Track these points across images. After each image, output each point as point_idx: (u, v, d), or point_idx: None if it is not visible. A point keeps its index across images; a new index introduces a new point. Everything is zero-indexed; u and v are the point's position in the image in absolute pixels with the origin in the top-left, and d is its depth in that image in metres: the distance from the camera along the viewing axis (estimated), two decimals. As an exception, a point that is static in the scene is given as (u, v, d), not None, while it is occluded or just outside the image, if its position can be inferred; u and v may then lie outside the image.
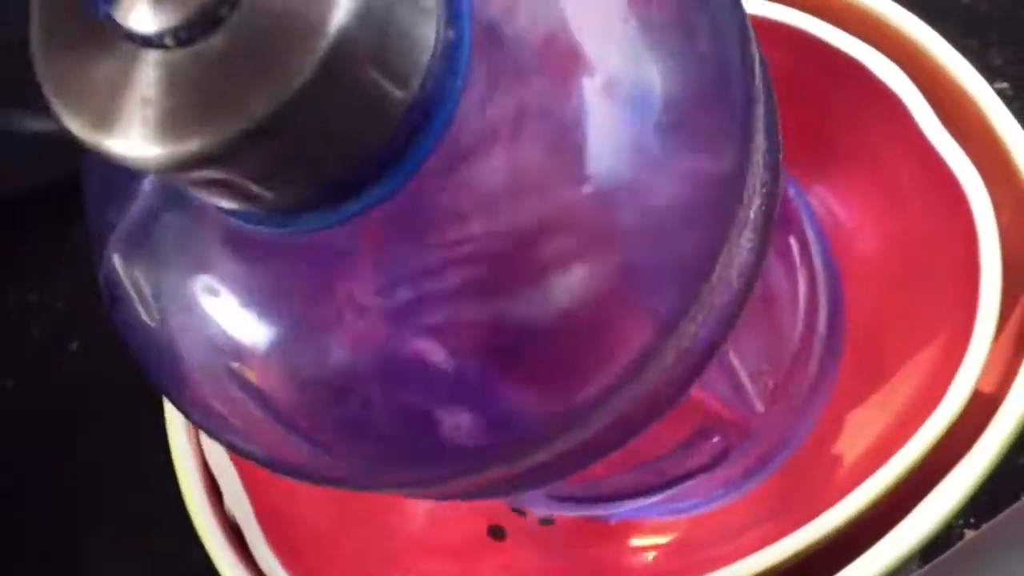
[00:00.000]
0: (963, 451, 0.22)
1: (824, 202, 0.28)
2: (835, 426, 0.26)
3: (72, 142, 0.12)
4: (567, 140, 0.14)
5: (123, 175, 0.15)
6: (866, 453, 0.25)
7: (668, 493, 0.24)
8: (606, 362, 0.15)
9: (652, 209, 0.14)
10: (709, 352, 0.16)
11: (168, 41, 0.11)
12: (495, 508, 0.28)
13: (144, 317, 0.15)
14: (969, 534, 0.29)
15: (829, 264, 0.26)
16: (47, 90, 0.12)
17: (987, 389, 0.23)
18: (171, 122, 0.11)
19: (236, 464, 0.25)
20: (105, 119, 0.11)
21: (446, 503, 0.27)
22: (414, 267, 0.14)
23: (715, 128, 0.14)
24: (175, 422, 0.25)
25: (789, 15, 0.25)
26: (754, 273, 0.16)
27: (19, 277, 0.39)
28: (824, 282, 0.25)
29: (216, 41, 0.11)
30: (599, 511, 0.25)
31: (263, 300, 0.15)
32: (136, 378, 0.16)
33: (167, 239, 0.15)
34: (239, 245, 0.14)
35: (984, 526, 0.20)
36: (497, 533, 0.28)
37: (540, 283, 0.14)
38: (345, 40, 0.11)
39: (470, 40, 0.13)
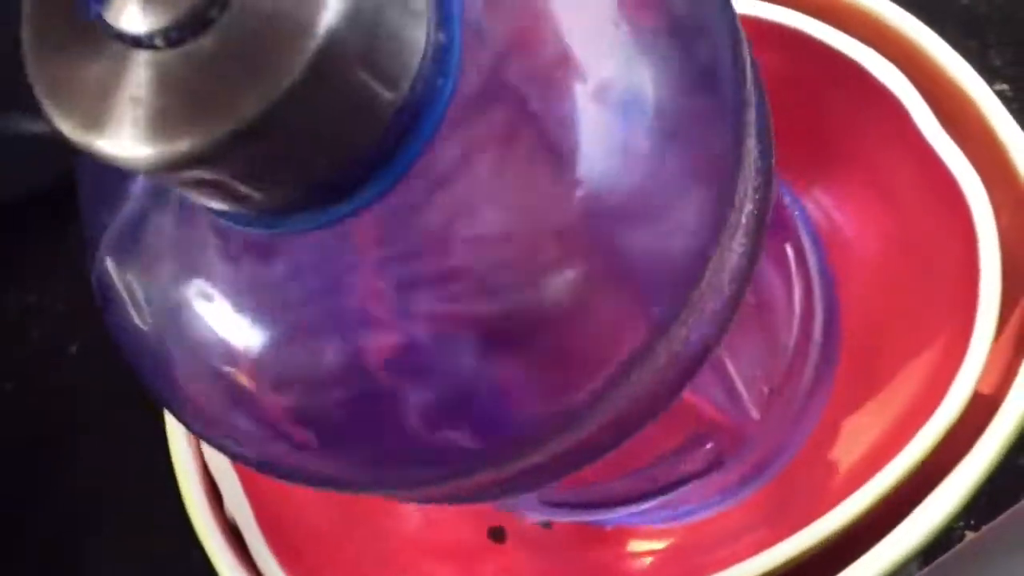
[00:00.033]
0: (963, 452, 0.22)
1: (822, 204, 0.28)
2: (832, 432, 0.26)
3: (69, 144, 0.12)
4: (557, 143, 0.14)
5: (115, 176, 0.15)
6: (864, 457, 0.25)
7: (662, 499, 0.24)
8: (597, 364, 0.15)
9: (642, 212, 0.14)
10: (701, 356, 0.16)
11: (158, 42, 0.11)
12: (496, 510, 0.28)
13: (135, 318, 0.15)
14: (969, 535, 0.29)
15: (825, 271, 0.26)
16: (38, 91, 0.12)
17: (987, 390, 0.23)
18: (161, 122, 0.11)
19: (236, 467, 0.25)
20: (96, 119, 0.11)
21: (448, 506, 0.27)
22: (404, 269, 0.14)
23: (706, 132, 0.14)
24: (175, 425, 0.25)
25: (787, 16, 0.25)
26: (746, 277, 0.16)
27: (18, 279, 0.39)
28: (820, 288, 0.25)
29: (206, 42, 0.11)
30: (593, 517, 0.25)
31: (253, 301, 0.15)
32: (136, 380, 0.16)
33: (158, 240, 0.15)
34: (230, 246, 0.14)
35: (984, 527, 0.20)
36: (497, 535, 0.28)
37: (530, 286, 0.14)
38: (334, 41, 0.11)
39: (461, 43, 0.13)
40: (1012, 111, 0.24)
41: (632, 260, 0.14)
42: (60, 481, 0.37)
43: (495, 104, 0.14)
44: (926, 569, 0.20)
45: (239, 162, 0.12)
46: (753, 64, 0.16)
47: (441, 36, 0.13)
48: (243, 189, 0.12)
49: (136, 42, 0.11)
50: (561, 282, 0.14)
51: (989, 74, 0.32)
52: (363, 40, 0.11)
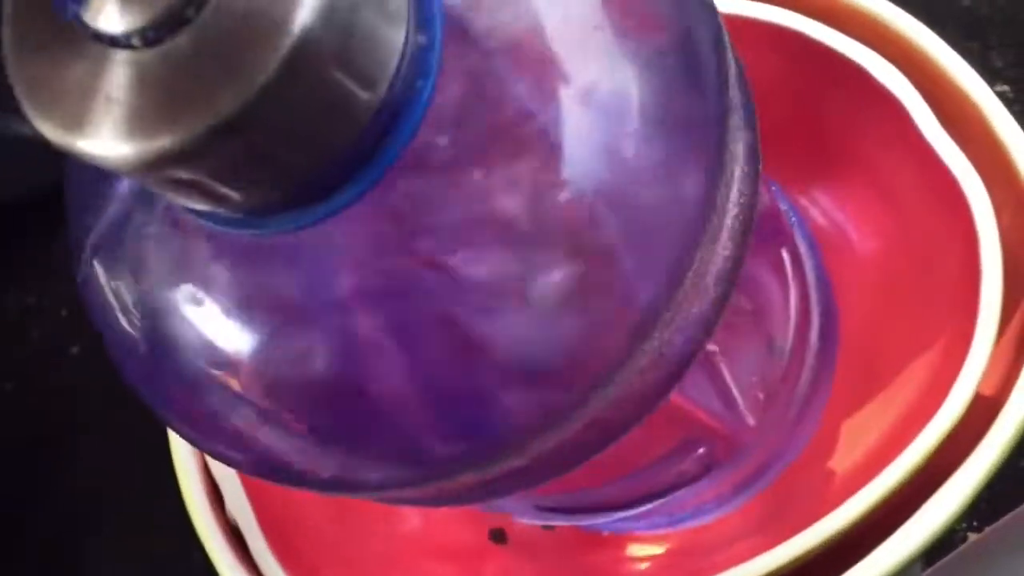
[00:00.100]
0: (965, 454, 0.22)
1: (823, 205, 0.28)
2: (832, 436, 0.26)
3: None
4: (539, 145, 0.14)
5: (99, 179, 0.15)
6: (864, 460, 0.25)
7: (655, 504, 0.24)
8: (578, 365, 0.15)
9: (624, 213, 0.14)
10: (687, 359, 0.16)
11: (135, 41, 0.11)
12: (492, 513, 0.28)
13: (121, 321, 0.16)
14: (972, 537, 0.29)
15: (822, 275, 0.26)
16: (19, 92, 0.12)
17: (988, 392, 0.23)
18: (140, 121, 0.11)
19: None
20: (76, 119, 0.12)
21: (448, 507, 0.27)
22: (386, 269, 0.14)
23: (688, 136, 0.14)
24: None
25: (787, 18, 0.25)
26: (732, 279, 0.16)
27: (18, 279, 0.39)
28: (816, 293, 0.25)
29: (182, 41, 0.11)
30: (586, 521, 0.25)
31: (237, 303, 0.15)
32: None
33: (142, 243, 0.15)
34: (214, 248, 0.14)
35: (987, 529, 0.20)
36: (498, 537, 0.28)
37: (511, 286, 0.14)
38: (309, 40, 0.11)
39: (442, 44, 0.13)
40: (1014, 113, 0.24)
41: (614, 261, 0.14)
42: (60, 481, 0.37)
43: (476, 105, 0.14)
44: (929, 570, 0.20)
45: (217, 160, 0.12)
46: (739, 68, 0.16)
47: (421, 37, 0.13)
48: (223, 189, 0.12)
49: (114, 42, 0.11)
50: (542, 282, 0.14)
51: (990, 76, 0.33)
52: (338, 39, 0.11)
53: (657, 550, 0.27)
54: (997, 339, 0.23)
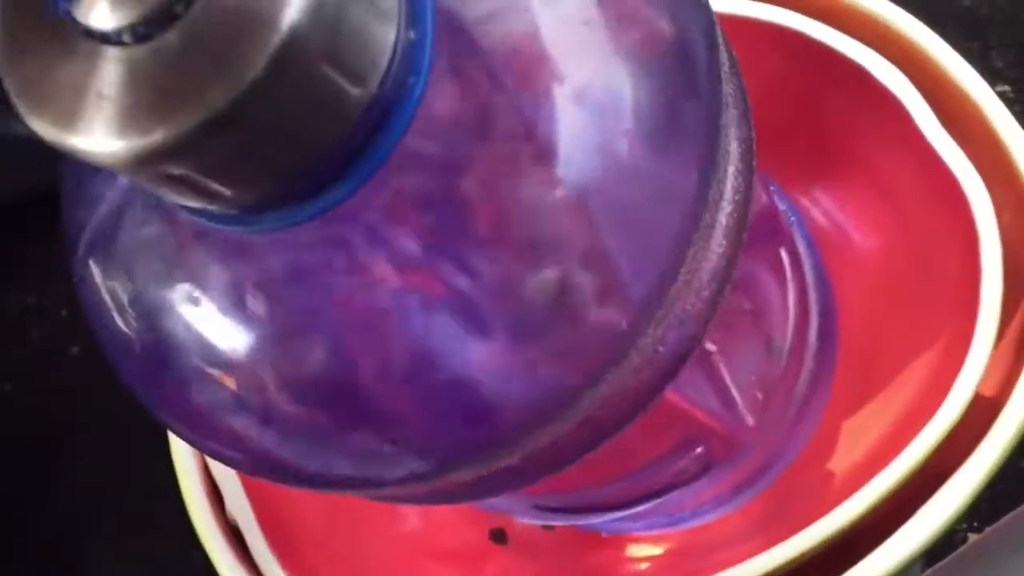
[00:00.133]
0: (965, 455, 0.22)
1: (823, 205, 0.28)
2: (831, 437, 0.26)
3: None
4: (531, 143, 0.14)
5: (94, 178, 0.15)
6: (864, 460, 0.25)
7: (653, 504, 0.24)
8: (570, 363, 0.15)
9: (615, 210, 0.14)
10: (682, 356, 0.16)
11: (126, 38, 0.11)
12: (490, 513, 0.28)
13: (116, 319, 0.16)
14: (972, 538, 0.29)
15: (821, 276, 0.26)
16: (11, 90, 0.12)
17: (988, 393, 0.23)
18: (131, 116, 0.11)
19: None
20: (68, 116, 0.12)
21: (450, 506, 0.27)
22: (379, 265, 0.14)
23: (681, 133, 0.14)
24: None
25: (787, 18, 0.25)
26: (726, 277, 0.16)
27: (18, 279, 0.39)
28: (815, 293, 0.25)
29: (172, 37, 0.11)
30: (584, 521, 0.25)
31: (230, 300, 0.15)
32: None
33: (135, 241, 0.15)
34: (206, 246, 0.14)
35: (987, 530, 0.20)
36: (499, 537, 0.28)
37: (502, 282, 0.14)
38: (297, 36, 0.11)
39: (433, 41, 0.13)
40: (1014, 113, 0.24)
41: (606, 258, 0.14)
42: (60, 481, 0.37)
43: (468, 103, 0.14)
44: (929, 571, 0.20)
45: (208, 156, 0.12)
46: (733, 64, 0.16)
47: (412, 34, 0.13)
48: (215, 185, 0.12)
49: (104, 38, 0.11)
50: (534, 279, 0.14)
51: (991, 76, 0.33)
52: (327, 35, 0.12)
53: (657, 550, 0.27)
54: (997, 339, 0.23)
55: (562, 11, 0.14)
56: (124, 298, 0.15)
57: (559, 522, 0.26)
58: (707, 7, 0.15)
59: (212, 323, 0.15)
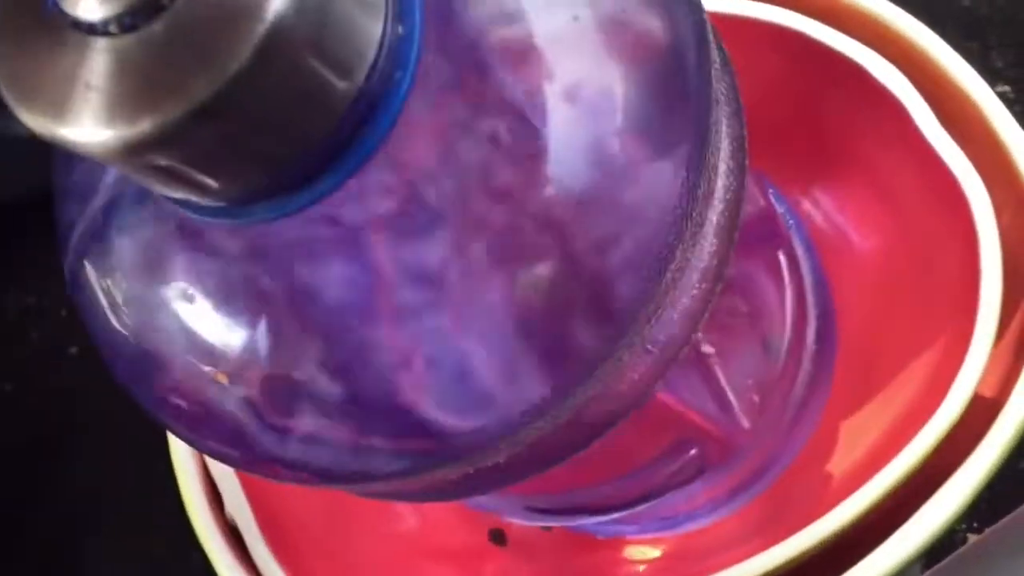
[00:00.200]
0: (964, 455, 0.22)
1: (823, 205, 0.28)
2: (830, 439, 0.26)
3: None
4: (519, 140, 0.14)
5: (85, 174, 0.15)
6: (863, 460, 0.25)
7: (645, 507, 0.24)
8: (559, 360, 0.15)
9: (604, 209, 0.14)
10: (672, 354, 0.16)
11: (113, 28, 0.11)
12: (483, 513, 0.28)
13: (110, 316, 0.16)
14: (972, 538, 0.29)
15: (820, 279, 0.26)
16: (1, 83, 0.12)
17: (988, 393, 0.23)
18: (119, 106, 0.11)
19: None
20: (57, 107, 0.12)
21: (448, 506, 0.27)
22: (366, 259, 0.14)
23: (671, 130, 0.14)
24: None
25: (787, 18, 0.25)
26: (718, 276, 0.16)
27: (18, 279, 0.39)
28: (813, 295, 0.25)
29: (158, 27, 0.11)
30: (576, 523, 0.25)
31: (220, 293, 0.15)
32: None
33: (126, 237, 0.15)
34: (196, 238, 0.14)
35: (987, 530, 0.20)
36: (498, 538, 0.28)
37: (489, 278, 0.14)
38: (282, 27, 0.11)
39: (422, 35, 0.13)
40: (1014, 113, 0.24)
41: (593, 255, 0.14)
42: (59, 481, 0.37)
43: (456, 96, 0.14)
44: (928, 572, 0.20)
45: (195, 147, 0.12)
46: (726, 64, 0.16)
47: (399, 28, 0.13)
48: (202, 176, 0.12)
49: (92, 29, 0.11)
50: (521, 276, 0.14)
51: (991, 76, 0.32)
52: (312, 27, 0.12)
53: (654, 553, 0.27)
54: (997, 339, 0.23)
55: (551, 7, 0.14)
56: (116, 295, 0.15)
57: (550, 523, 0.26)
58: (698, 5, 0.15)
59: (201, 317, 0.15)
